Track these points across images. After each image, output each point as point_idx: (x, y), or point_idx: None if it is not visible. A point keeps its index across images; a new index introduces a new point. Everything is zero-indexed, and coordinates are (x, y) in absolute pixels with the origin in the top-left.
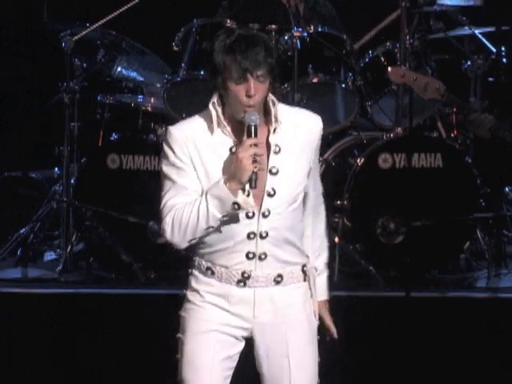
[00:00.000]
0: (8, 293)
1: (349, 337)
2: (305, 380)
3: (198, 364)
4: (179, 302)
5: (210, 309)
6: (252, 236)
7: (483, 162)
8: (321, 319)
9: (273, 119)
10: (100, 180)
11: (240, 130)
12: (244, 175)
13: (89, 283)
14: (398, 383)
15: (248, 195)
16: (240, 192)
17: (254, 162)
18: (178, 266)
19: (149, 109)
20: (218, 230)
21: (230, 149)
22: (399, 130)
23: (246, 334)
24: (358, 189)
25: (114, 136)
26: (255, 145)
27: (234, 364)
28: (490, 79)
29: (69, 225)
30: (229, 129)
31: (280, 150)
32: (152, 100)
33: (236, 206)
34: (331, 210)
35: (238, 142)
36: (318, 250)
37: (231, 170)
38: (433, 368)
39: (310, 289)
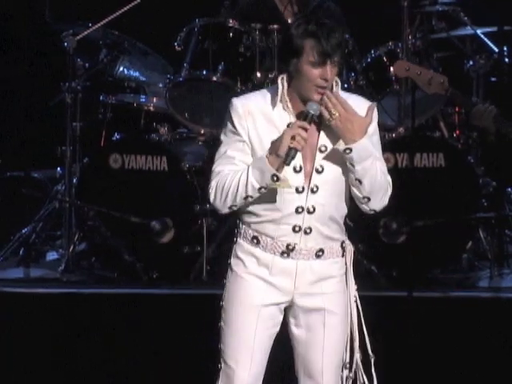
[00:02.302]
0: (10, 292)
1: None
2: (335, 349)
3: (241, 335)
4: (181, 301)
5: (252, 281)
6: (300, 210)
7: (488, 160)
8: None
9: None
10: (102, 180)
11: (301, 109)
12: (281, 148)
13: (91, 283)
14: (401, 383)
15: (299, 171)
16: (285, 169)
17: (293, 138)
18: (180, 265)
19: (151, 109)
20: (268, 200)
21: (288, 125)
22: (401, 129)
23: (286, 304)
24: None
25: (117, 136)
26: (304, 128)
27: (274, 334)
28: (492, 79)
29: (71, 225)
30: (290, 105)
31: (329, 128)
32: (154, 100)
33: (275, 178)
34: None
35: (297, 119)
36: None
37: (273, 144)
38: (435, 368)
39: (346, 264)
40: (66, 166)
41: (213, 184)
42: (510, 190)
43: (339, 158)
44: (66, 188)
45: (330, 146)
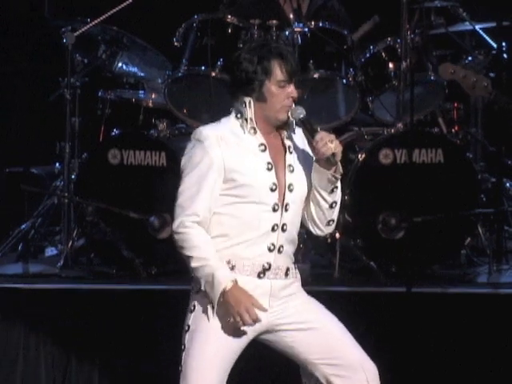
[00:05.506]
0: (9, 288)
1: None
2: (332, 320)
3: (203, 358)
4: (180, 297)
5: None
6: (275, 228)
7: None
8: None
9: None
10: (101, 175)
11: (268, 130)
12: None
13: (90, 279)
14: (399, 379)
15: (275, 189)
16: (260, 187)
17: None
18: (179, 261)
19: (150, 104)
20: (245, 221)
21: (259, 145)
22: (400, 125)
23: (258, 327)
24: (359, 184)
25: (115, 131)
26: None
27: (235, 358)
28: (491, 75)
29: (70, 220)
30: (258, 129)
31: (293, 150)
32: (153, 96)
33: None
34: None
35: (266, 141)
36: None
37: (232, 300)
38: (434, 363)
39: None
40: (65, 161)
41: (183, 231)
42: (508, 185)
43: (304, 179)
44: (64, 184)
45: (294, 165)
